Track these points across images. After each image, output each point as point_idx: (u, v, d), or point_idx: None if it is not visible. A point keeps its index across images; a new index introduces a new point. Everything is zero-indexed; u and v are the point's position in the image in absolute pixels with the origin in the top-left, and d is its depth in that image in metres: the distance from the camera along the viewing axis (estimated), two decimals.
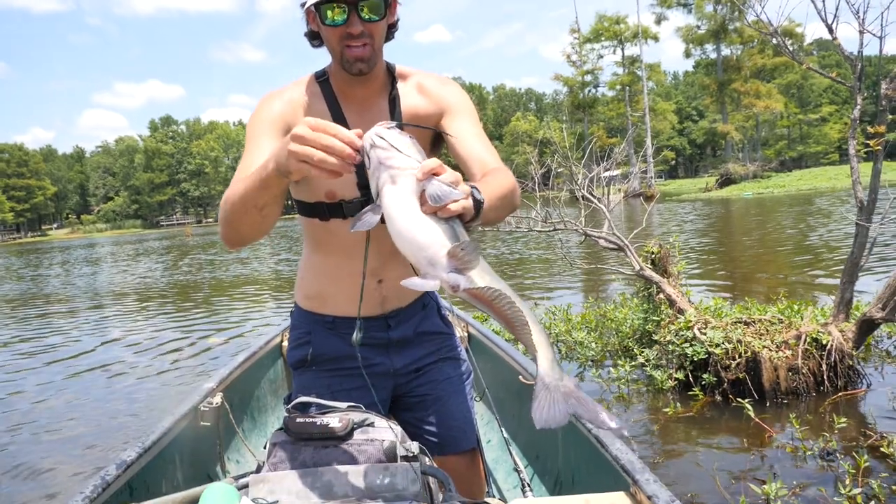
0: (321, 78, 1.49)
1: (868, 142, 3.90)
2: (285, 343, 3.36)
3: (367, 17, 1.31)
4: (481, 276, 0.93)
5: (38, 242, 73.31)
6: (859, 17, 4.34)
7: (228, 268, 17.19)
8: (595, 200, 5.10)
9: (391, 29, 1.45)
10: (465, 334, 3.37)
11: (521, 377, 2.46)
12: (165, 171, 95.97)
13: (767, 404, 3.81)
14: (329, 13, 1.31)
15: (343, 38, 1.33)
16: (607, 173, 6.42)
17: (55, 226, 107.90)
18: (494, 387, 2.87)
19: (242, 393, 2.86)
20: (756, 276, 9.01)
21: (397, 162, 0.98)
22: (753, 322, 4.25)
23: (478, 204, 1.05)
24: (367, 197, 1.43)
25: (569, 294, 8.63)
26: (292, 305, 1.73)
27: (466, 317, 3.54)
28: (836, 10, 4.44)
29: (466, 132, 1.46)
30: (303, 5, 1.40)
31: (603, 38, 52.85)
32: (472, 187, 1.06)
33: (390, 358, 1.63)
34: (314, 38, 1.43)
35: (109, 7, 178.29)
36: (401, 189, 0.98)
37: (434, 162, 0.97)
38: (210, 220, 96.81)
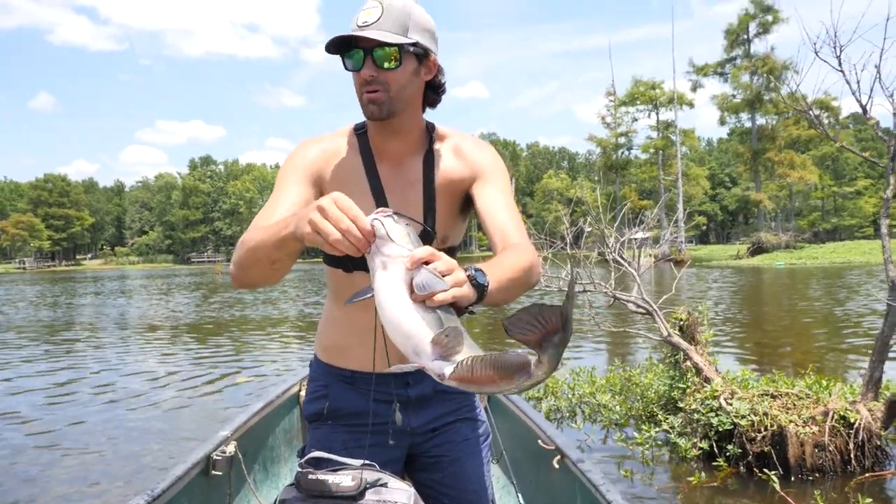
0: (359, 130, 1.51)
1: None
2: (302, 392, 3.34)
3: (380, 64, 1.33)
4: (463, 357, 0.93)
5: (72, 271, 74.92)
6: (893, 99, 4.46)
7: (257, 307, 17.43)
8: (625, 264, 5.18)
9: (435, 91, 1.47)
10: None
11: (539, 441, 2.44)
12: (201, 209, 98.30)
13: (792, 479, 3.79)
14: (346, 59, 1.35)
15: (361, 83, 1.36)
16: (638, 236, 6.50)
17: (89, 256, 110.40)
18: (512, 449, 2.83)
19: (256, 442, 2.84)
20: (784, 348, 8.92)
21: (389, 250, 1.00)
22: (781, 395, 4.24)
23: (481, 288, 1.06)
24: None
25: (592, 354, 8.62)
26: (312, 354, 1.72)
27: None
28: (871, 90, 4.57)
29: (494, 202, 1.45)
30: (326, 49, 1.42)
31: (638, 102, 53.48)
32: (477, 270, 1.07)
33: (408, 416, 1.59)
34: None
35: (160, 48, 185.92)
36: (390, 276, 0.99)
37: (425, 251, 0.98)
38: None
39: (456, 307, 1.02)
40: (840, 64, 4.50)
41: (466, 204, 1.53)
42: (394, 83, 1.35)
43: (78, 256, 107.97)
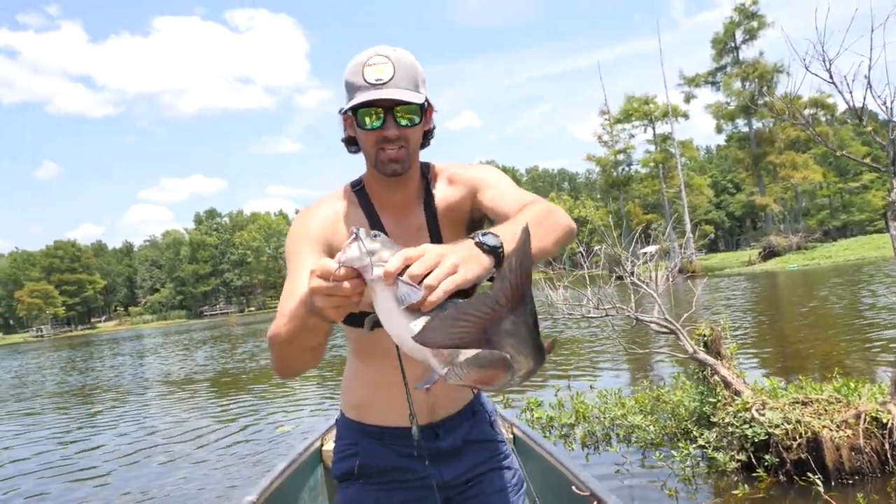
0: (357, 187, 1.51)
1: None
2: (325, 447, 3.38)
3: (402, 121, 1.35)
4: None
5: (88, 335, 75.38)
6: (886, 106, 4.61)
7: None
8: (643, 285, 5.30)
9: (427, 135, 1.48)
10: (511, 436, 3.22)
11: (573, 487, 2.40)
12: (209, 262, 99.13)
13: (833, 484, 3.85)
14: (367, 118, 1.34)
15: (379, 141, 1.36)
16: (648, 250, 6.62)
17: (103, 318, 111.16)
18: (543, 494, 2.76)
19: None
20: (808, 352, 8.94)
21: (371, 272, 0.97)
22: (811, 402, 4.32)
23: (495, 251, 1.02)
24: None
25: (613, 374, 8.66)
26: (338, 408, 1.69)
27: (512, 417, 3.43)
28: (864, 98, 4.71)
29: (498, 194, 1.43)
30: (341, 111, 1.42)
31: (633, 118, 53.87)
32: (486, 234, 1.04)
33: (439, 469, 1.56)
34: (351, 143, 1.46)
35: (157, 110, 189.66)
36: (380, 298, 0.98)
37: (396, 260, 0.94)
38: (252, 308, 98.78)
39: (471, 289, 0.98)
40: (831, 77, 4.67)
41: (476, 226, 1.53)
42: (412, 140, 1.39)
43: (93, 319, 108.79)
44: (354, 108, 1.34)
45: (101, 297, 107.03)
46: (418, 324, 0.91)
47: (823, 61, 4.71)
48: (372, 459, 1.56)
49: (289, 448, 3.31)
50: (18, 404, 13.81)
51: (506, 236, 1.05)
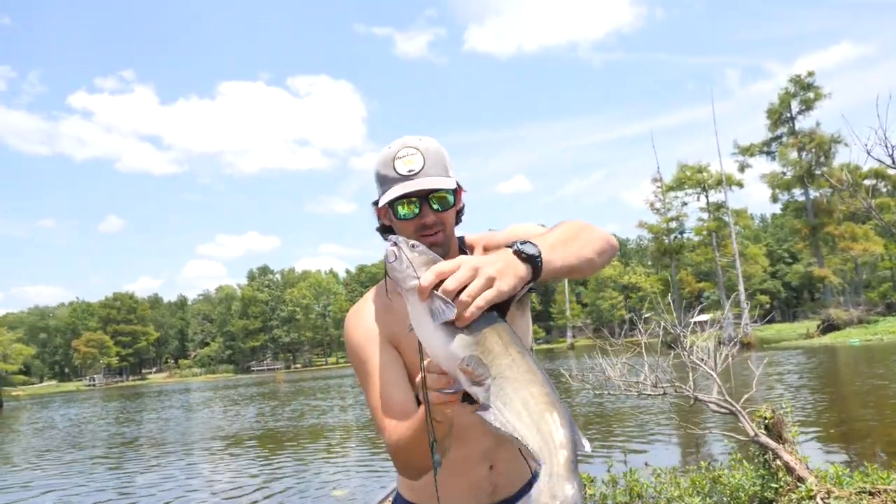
0: None
1: None
2: None
3: (437, 207, 1.39)
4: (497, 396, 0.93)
5: (138, 386, 77.14)
6: None
7: (337, 413, 17.65)
8: (702, 364, 5.30)
9: (459, 214, 1.51)
10: None
11: None
12: (259, 318, 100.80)
13: None
14: (403, 209, 1.39)
15: (418, 229, 1.39)
16: (698, 318, 6.56)
17: (154, 370, 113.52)
18: None
19: None
20: (872, 434, 8.61)
21: (407, 283, 0.98)
22: (879, 492, 4.21)
23: (533, 260, 1.03)
24: None
25: (664, 449, 8.51)
26: (390, 473, 1.74)
27: None
28: None
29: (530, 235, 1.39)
30: (375, 203, 1.46)
31: (686, 186, 53.58)
32: (524, 243, 1.05)
33: None
34: (386, 231, 1.48)
35: (219, 168, 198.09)
36: (415, 310, 0.98)
37: (430, 275, 0.95)
38: (298, 365, 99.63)
39: (507, 302, 0.99)
40: (893, 162, 4.72)
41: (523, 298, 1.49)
42: (449, 222, 1.44)
43: (143, 370, 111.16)
44: (390, 202, 1.39)
45: (153, 348, 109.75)
46: (452, 339, 0.94)
47: (885, 147, 4.78)
48: None
49: None
50: (72, 454, 14.23)
51: (543, 245, 1.07)
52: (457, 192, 1.45)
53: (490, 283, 0.94)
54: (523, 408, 0.91)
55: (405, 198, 1.37)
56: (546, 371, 0.95)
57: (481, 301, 0.92)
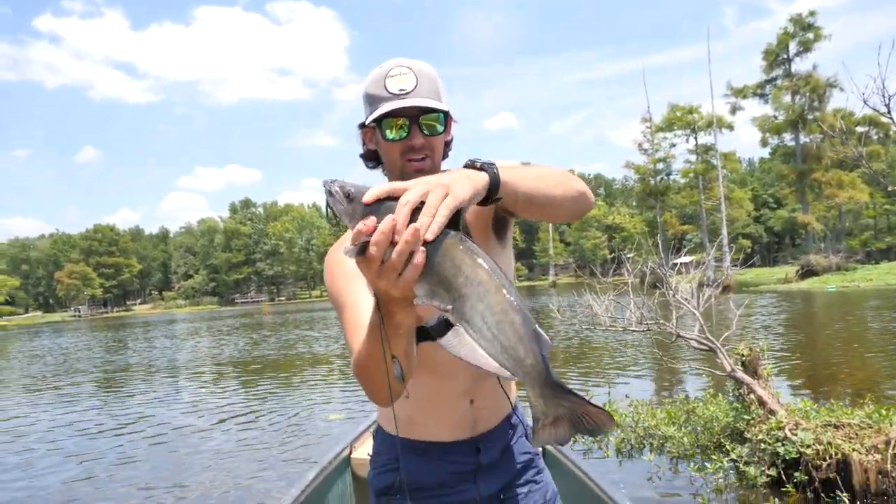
0: None
1: None
2: (354, 455, 3.43)
3: (427, 131, 1.34)
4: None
5: (123, 317, 77.64)
6: None
7: (324, 343, 18.01)
8: (686, 304, 5.52)
9: (447, 146, 1.46)
10: (540, 448, 3.25)
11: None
12: (242, 251, 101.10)
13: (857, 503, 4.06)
14: (391, 129, 1.33)
15: (404, 152, 1.34)
16: (681, 259, 6.78)
17: (139, 301, 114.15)
18: None
19: None
20: (841, 375, 9.00)
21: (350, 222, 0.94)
22: (843, 425, 4.52)
23: (486, 165, 1.02)
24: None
25: (640, 384, 8.93)
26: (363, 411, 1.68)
27: None
28: None
29: None
30: (362, 125, 1.41)
31: (675, 127, 53.36)
32: (484, 163, 1.03)
33: (477, 484, 1.55)
34: (369, 158, 1.44)
35: (196, 97, 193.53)
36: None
37: (375, 192, 0.91)
38: (282, 298, 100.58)
39: (458, 216, 0.93)
40: (889, 111, 4.80)
41: (501, 226, 1.47)
42: (437, 149, 1.38)
43: (128, 302, 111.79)
44: (379, 120, 1.33)
45: (136, 280, 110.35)
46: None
47: (882, 96, 4.83)
48: (414, 475, 1.53)
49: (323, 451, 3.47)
50: (68, 379, 14.52)
51: (505, 166, 1.05)
52: (448, 119, 1.40)
53: (446, 190, 0.90)
54: (484, 326, 0.91)
55: (394, 116, 1.32)
56: (508, 280, 0.93)
57: (444, 210, 0.89)
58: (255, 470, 6.13)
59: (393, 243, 0.87)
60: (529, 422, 1.64)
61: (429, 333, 1.29)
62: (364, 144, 1.44)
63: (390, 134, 1.33)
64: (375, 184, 0.95)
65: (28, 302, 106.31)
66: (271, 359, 15.89)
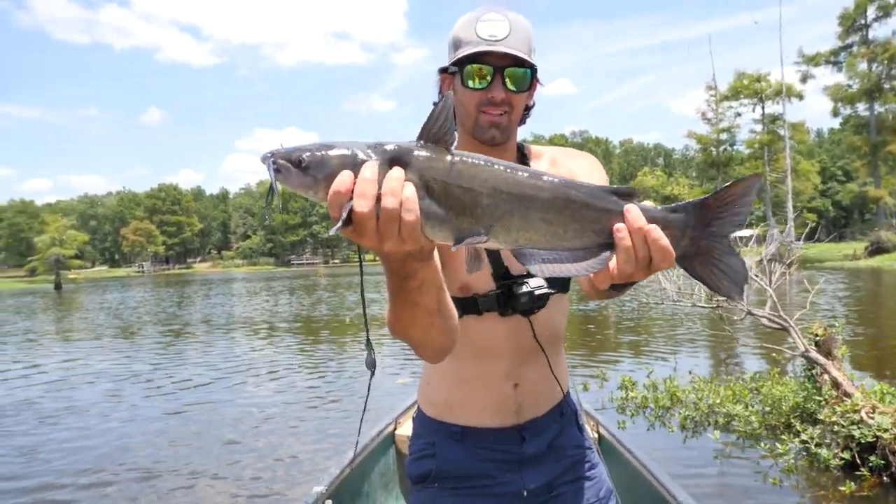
0: None
1: None
2: (398, 431, 3.32)
3: (512, 85, 1.25)
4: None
5: (184, 274, 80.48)
6: None
7: (382, 304, 18.33)
8: (759, 281, 5.40)
9: (526, 111, 1.37)
10: (596, 435, 3.05)
11: (662, 497, 2.29)
12: (299, 214, 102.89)
13: None
14: (473, 78, 1.25)
15: (482, 103, 1.26)
16: (742, 233, 6.62)
17: (198, 259, 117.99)
18: (628, 502, 2.56)
19: (352, 493, 2.74)
20: None
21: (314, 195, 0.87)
22: None
23: None
24: (502, 290, 1.32)
25: (693, 361, 8.70)
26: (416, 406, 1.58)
27: (598, 416, 3.28)
28: None
29: None
30: (442, 70, 1.32)
31: (742, 96, 51.43)
32: None
33: (521, 476, 1.43)
34: None
35: (258, 60, 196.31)
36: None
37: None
38: (336, 260, 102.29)
39: None
40: None
41: None
42: (517, 106, 1.30)
43: (189, 260, 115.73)
44: (461, 63, 1.25)
45: (197, 239, 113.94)
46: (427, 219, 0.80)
47: None
48: (450, 463, 1.44)
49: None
50: (136, 331, 15.20)
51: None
52: (534, 79, 1.31)
53: None
54: (540, 237, 0.82)
55: (479, 62, 1.23)
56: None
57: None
58: (312, 440, 6.05)
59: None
60: (579, 406, 1.59)
61: (476, 307, 1.30)
62: (440, 92, 1.35)
63: (471, 82, 1.25)
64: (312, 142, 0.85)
65: (95, 256, 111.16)
66: (336, 318, 16.26)
